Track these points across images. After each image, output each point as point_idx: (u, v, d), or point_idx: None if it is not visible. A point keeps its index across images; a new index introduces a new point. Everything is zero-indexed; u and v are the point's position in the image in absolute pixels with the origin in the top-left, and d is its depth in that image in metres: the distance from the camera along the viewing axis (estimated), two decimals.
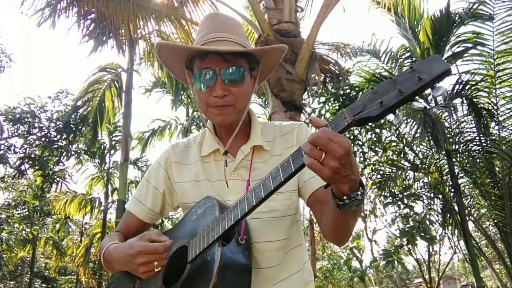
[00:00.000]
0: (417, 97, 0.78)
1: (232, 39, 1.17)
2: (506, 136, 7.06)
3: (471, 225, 8.18)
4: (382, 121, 7.99)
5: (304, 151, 0.81)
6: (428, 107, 6.87)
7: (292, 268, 1.19)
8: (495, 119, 6.96)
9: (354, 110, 0.82)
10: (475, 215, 8.01)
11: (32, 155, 10.63)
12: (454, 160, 7.06)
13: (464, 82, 6.89)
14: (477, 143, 7.29)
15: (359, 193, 0.84)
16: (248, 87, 1.19)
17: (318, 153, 0.78)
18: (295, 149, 1.11)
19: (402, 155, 8.12)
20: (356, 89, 7.93)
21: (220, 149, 1.22)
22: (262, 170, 1.17)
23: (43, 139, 10.49)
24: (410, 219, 7.06)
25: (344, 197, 0.84)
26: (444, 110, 6.80)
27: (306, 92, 4.83)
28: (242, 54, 1.17)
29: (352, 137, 8.24)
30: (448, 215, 7.48)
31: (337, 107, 8.11)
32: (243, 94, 1.17)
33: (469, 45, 6.71)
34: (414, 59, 7.33)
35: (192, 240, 1.08)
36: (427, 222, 6.84)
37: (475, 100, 6.87)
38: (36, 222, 15.12)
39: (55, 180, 11.55)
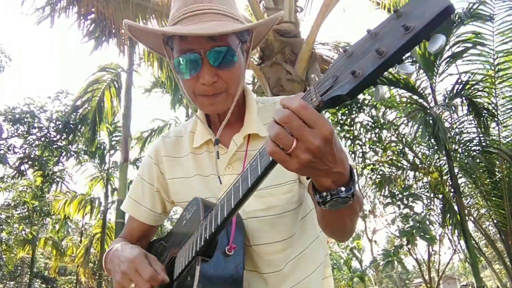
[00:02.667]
0: (408, 59, 0.52)
1: (218, 10, 0.94)
2: (506, 136, 7.06)
3: (471, 225, 8.18)
4: (382, 121, 7.99)
5: (269, 133, 0.61)
6: (428, 107, 6.88)
7: (309, 266, 1.04)
8: (495, 119, 6.96)
9: (323, 87, 0.60)
10: (475, 215, 8.01)
11: (32, 155, 10.64)
12: (454, 160, 7.07)
13: (464, 82, 6.89)
14: (477, 143, 7.30)
15: (343, 189, 0.65)
16: (240, 67, 0.98)
17: (287, 140, 0.59)
18: None
19: (402, 155, 8.12)
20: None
21: (211, 141, 1.07)
22: None
23: (42, 139, 10.50)
24: (410, 219, 7.06)
25: (324, 193, 0.66)
26: (444, 110, 6.80)
27: None
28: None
29: (352, 137, 8.24)
30: (448, 215, 7.48)
31: (337, 107, 8.10)
32: (236, 77, 0.97)
33: (469, 45, 6.71)
34: (414, 58, 7.33)
35: (179, 251, 0.98)
36: (427, 222, 6.84)
37: (475, 100, 6.88)
38: (36, 222, 15.11)
39: (55, 180, 11.56)
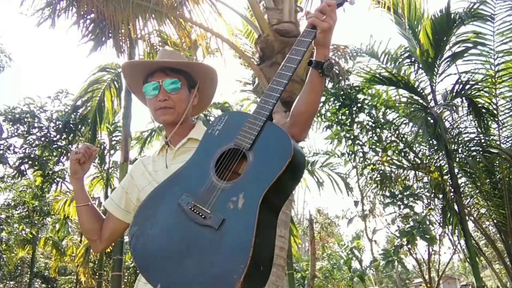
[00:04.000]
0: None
1: (174, 60, 1.56)
2: (507, 136, 7.06)
3: (471, 225, 8.18)
4: (382, 121, 8.00)
5: (310, 16, 1.27)
6: (428, 107, 6.88)
7: None
8: (495, 119, 6.96)
9: None
10: (475, 215, 8.01)
11: (32, 155, 10.63)
12: (454, 160, 7.06)
13: (464, 82, 6.89)
14: (477, 143, 7.30)
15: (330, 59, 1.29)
16: (185, 96, 1.52)
17: (321, 16, 1.25)
18: None
19: (402, 155, 8.12)
20: (356, 88, 7.92)
21: (164, 147, 1.55)
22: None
23: (42, 139, 10.49)
24: (410, 219, 7.05)
25: (325, 60, 1.27)
26: (444, 110, 6.80)
27: None
28: (181, 72, 1.52)
29: (352, 137, 8.24)
30: (448, 215, 7.48)
31: (337, 107, 8.11)
32: (181, 99, 1.50)
33: (469, 45, 6.71)
34: (413, 59, 7.32)
35: (236, 139, 1.19)
36: (427, 222, 6.84)
37: (475, 100, 6.87)
38: (36, 222, 15.11)
39: (55, 180, 11.54)
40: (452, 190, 7.06)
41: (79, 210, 1.56)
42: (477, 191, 7.51)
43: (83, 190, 1.60)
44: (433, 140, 6.98)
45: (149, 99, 1.53)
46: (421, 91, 7.33)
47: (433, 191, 7.73)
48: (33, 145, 10.59)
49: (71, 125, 10.25)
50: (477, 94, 6.91)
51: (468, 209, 7.71)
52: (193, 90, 1.58)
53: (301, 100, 1.36)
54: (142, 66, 1.59)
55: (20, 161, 10.53)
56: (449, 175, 7.10)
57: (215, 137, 1.27)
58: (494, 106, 6.90)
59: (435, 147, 7.30)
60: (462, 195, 7.15)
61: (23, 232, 15.11)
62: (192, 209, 1.12)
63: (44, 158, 10.70)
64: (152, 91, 1.50)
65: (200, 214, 1.09)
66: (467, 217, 7.31)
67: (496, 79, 6.67)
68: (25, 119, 10.30)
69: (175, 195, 1.17)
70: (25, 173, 10.87)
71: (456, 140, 7.31)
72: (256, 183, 1.08)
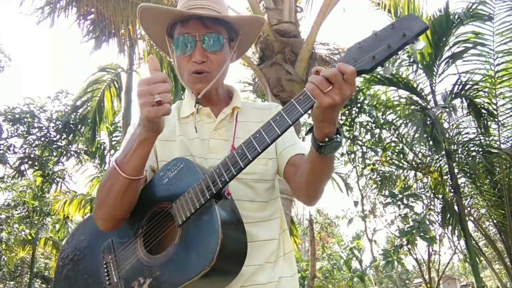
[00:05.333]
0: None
1: (213, 8, 1.18)
2: (506, 136, 7.06)
3: (471, 225, 8.18)
4: (382, 121, 8.00)
5: (311, 81, 0.88)
6: (427, 108, 6.88)
7: (268, 235, 1.18)
8: (495, 119, 6.96)
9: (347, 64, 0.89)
10: (475, 215, 8.01)
11: (32, 155, 10.63)
12: (453, 160, 7.07)
13: (464, 82, 6.89)
14: (477, 143, 7.29)
15: (338, 135, 0.93)
16: (226, 56, 1.19)
17: (325, 85, 0.86)
18: None
19: (402, 156, 8.12)
20: (356, 89, 7.92)
21: (201, 110, 1.22)
22: (243, 131, 1.19)
23: (42, 139, 10.50)
24: (410, 219, 7.06)
25: (326, 139, 0.92)
26: (443, 111, 6.80)
27: None
28: (222, 23, 1.17)
29: (352, 137, 8.24)
30: (448, 215, 7.47)
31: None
32: (221, 62, 1.17)
33: (469, 45, 6.70)
34: (412, 59, 7.32)
35: (175, 204, 1.03)
36: (427, 222, 6.84)
37: (475, 100, 6.87)
38: (36, 223, 15.10)
39: (55, 180, 11.54)
40: (452, 190, 7.06)
41: (133, 184, 1.03)
42: (477, 191, 7.50)
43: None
44: (432, 141, 6.98)
45: (178, 57, 1.18)
46: (421, 91, 7.33)
47: (433, 191, 7.74)
48: (33, 145, 10.60)
49: (71, 125, 10.27)
50: (476, 94, 6.91)
51: (468, 209, 7.71)
52: (233, 44, 1.24)
53: (301, 178, 1.09)
54: (169, 13, 1.19)
55: (20, 161, 10.54)
56: (449, 175, 7.10)
57: (162, 185, 1.10)
58: (494, 107, 6.90)
59: (434, 148, 7.30)
60: (462, 195, 7.15)
61: (23, 232, 15.11)
62: (105, 266, 1.07)
63: (44, 158, 10.71)
64: (184, 46, 1.15)
65: (108, 278, 1.05)
66: (467, 217, 7.31)
67: (495, 79, 6.66)
68: (25, 119, 10.31)
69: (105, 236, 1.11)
70: (25, 173, 10.88)
71: (456, 140, 7.31)
72: (167, 278, 0.96)
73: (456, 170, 7.12)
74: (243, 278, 1.08)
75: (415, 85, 7.34)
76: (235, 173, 0.97)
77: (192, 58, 1.14)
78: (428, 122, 6.40)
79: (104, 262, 1.08)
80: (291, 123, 0.92)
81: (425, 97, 7.28)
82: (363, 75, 0.98)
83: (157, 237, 1.05)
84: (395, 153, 8.16)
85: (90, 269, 1.10)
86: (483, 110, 6.92)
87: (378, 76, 7.43)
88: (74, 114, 10.24)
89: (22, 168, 10.59)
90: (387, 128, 7.99)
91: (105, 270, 1.06)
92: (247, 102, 1.35)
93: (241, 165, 0.96)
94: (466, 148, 7.28)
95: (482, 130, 7.10)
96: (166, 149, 1.19)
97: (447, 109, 6.52)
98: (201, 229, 0.97)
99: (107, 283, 1.04)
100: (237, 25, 1.22)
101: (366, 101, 8.02)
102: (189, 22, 1.14)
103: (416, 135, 6.45)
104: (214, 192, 0.97)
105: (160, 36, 1.25)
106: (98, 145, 11.88)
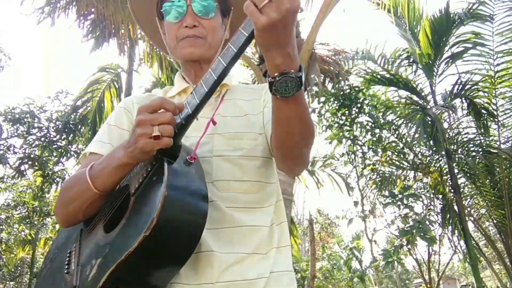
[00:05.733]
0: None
1: None
2: (506, 136, 7.06)
3: (471, 225, 8.19)
4: (382, 121, 8.00)
5: None
6: (427, 107, 6.88)
7: (257, 222, 1.05)
8: (495, 119, 6.96)
9: None
10: (475, 215, 8.01)
11: (32, 156, 10.63)
12: (453, 160, 7.07)
13: (463, 83, 6.89)
14: (477, 143, 7.30)
15: (292, 71, 0.74)
16: (219, 24, 1.13)
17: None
18: (262, 99, 1.14)
19: (402, 156, 8.13)
20: (356, 89, 7.93)
21: (188, 88, 1.14)
22: (228, 109, 1.11)
23: (42, 139, 10.50)
24: (410, 219, 7.06)
25: (276, 73, 0.74)
26: (443, 111, 6.81)
27: (306, 92, 4.83)
28: None
29: (352, 137, 8.24)
30: (448, 215, 7.48)
31: (337, 107, 8.12)
32: (215, 28, 1.11)
33: (469, 45, 6.71)
34: (412, 59, 7.33)
35: (131, 175, 0.92)
36: (427, 222, 6.84)
37: (475, 100, 6.88)
38: (36, 223, 15.11)
39: (55, 181, 11.55)
40: (452, 190, 7.06)
41: (103, 196, 0.96)
42: (477, 191, 7.51)
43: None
44: (432, 140, 6.99)
45: (169, 24, 1.12)
46: (421, 91, 7.33)
47: (433, 191, 7.74)
48: (33, 146, 10.60)
49: (71, 125, 10.26)
50: (476, 94, 6.92)
51: (468, 209, 7.72)
52: (226, 20, 1.18)
53: (272, 138, 0.96)
54: None
55: (20, 161, 10.54)
56: (449, 175, 7.10)
57: None
58: (494, 107, 6.90)
59: (435, 148, 7.31)
60: (462, 195, 7.15)
61: (23, 233, 15.11)
62: (68, 256, 0.99)
63: (44, 159, 10.71)
64: (175, 12, 1.10)
65: (67, 266, 0.96)
66: (467, 217, 7.31)
67: (495, 79, 6.67)
68: (25, 119, 10.31)
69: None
70: (25, 173, 10.88)
71: (456, 140, 7.31)
72: (111, 254, 0.83)
73: (456, 170, 7.13)
74: (222, 266, 0.94)
75: (415, 85, 7.35)
76: (184, 122, 0.84)
77: (183, 24, 1.09)
78: (429, 122, 6.41)
79: (68, 251, 1.01)
80: (236, 51, 0.78)
81: (425, 97, 7.29)
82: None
83: (113, 214, 0.93)
84: (395, 153, 8.16)
85: (60, 263, 1.03)
86: (483, 110, 6.92)
87: (378, 76, 7.44)
88: (74, 114, 10.24)
89: (22, 168, 10.59)
90: (387, 128, 7.99)
91: (67, 259, 0.99)
92: (242, 84, 1.28)
93: (189, 111, 0.83)
94: (466, 148, 7.28)
95: (482, 130, 7.11)
96: None
97: (447, 109, 6.53)
98: (148, 195, 0.84)
99: (65, 272, 0.96)
100: (230, 1, 1.17)
101: (366, 101, 8.02)
102: None
103: (416, 135, 6.46)
104: (163, 148, 0.82)
105: (151, 19, 1.21)
106: None
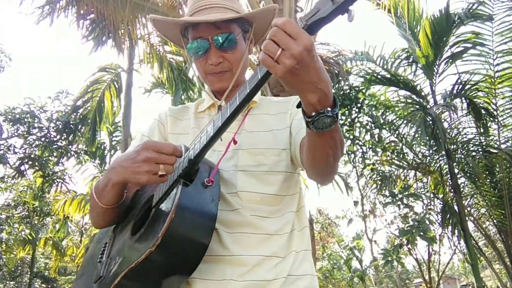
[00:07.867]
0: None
1: (222, 5, 1.17)
2: (506, 136, 7.06)
3: (471, 225, 8.18)
4: (382, 121, 8.00)
5: (261, 48, 0.73)
6: (427, 107, 6.88)
7: (277, 229, 1.10)
8: (495, 119, 6.96)
9: (307, 16, 0.75)
10: (475, 215, 8.01)
11: (32, 156, 10.64)
12: (453, 160, 7.07)
13: (463, 82, 6.89)
14: (477, 143, 7.30)
15: (329, 109, 0.76)
16: (242, 51, 1.19)
17: (274, 49, 0.70)
18: (289, 114, 1.19)
19: (402, 156, 8.13)
20: (356, 89, 7.93)
21: (216, 104, 1.23)
22: (254, 124, 1.17)
23: (42, 139, 10.51)
24: (410, 219, 7.06)
25: (313, 113, 0.76)
26: (443, 110, 6.81)
27: None
28: (234, 19, 1.15)
29: (352, 137, 8.24)
30: (448, 215, 7.48)
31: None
32: (238, 59, 1.18)
33: (469, 45, 6.71)
34: (412, 59, 7.33)
35: (158, 186, 1.02)
36: (427, 222, 6.84)
37: (475, 100, 6.88)
38: (36, 223, 15.12)
39: (55, 181, 11.55)
40: (452, 190, 7.06)
41: (111, 209, 1.07)
42: (477, 191, 7.51)
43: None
44: (432, 140, 6.99)
45: (196, 61, 1.20)
46: (421, 91, 7.33)
47: (433, 191, 7.74)
48: (33, 146, 10.61)
49: (71, 125, 10.27)
50: (476, 94, 6.92)
51: (468, 209, 7.72)
52: (248, 35, 1.23)
53: (304, 157, 1.00)
54: (176, 24, 1.21)
55: (20, 161, 10.55)
56: (449, 175, 7.10)
57: None
58: (494, 107, 6.90)
59: (435, 148, 7.31)
60: (462, 196, 7.15)
61: (23, 232, 15.12)
62: (104, 246, 1.11)
63: (44, 159, 10.71)
64: (198, 50, 1.16)
65: (101, 256, 1.08)
66: (467, 217, 7.31)
67: (495, 79, 6.67)
68: (25, 119, 10.32)
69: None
70: (25, 173, 10.88)
71: (455, 140, 7.31)
72: (128, 258, 0.94)
73: (456, 170, 7.13)
74: (244, 268, 1.02)
75: (415, 85, 7.35)
76: (194, 155, 0.90)
77: (208, 61, 1.15)
78: (430, 122, 6.41)
79: (105, 242, 1.12)
80: (249, 91, 0.82)
81: (425, 97, 7.28)
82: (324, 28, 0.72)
83: (139, 219, 1.05)
84: (395, 153, 8.16)
85: (99, 250, 1.14)
86: (482, 110, 6.92)
87: (378, 76, 7.44)
88: (74, 114, 10.25)
89: (22, 168, 10.60)
90: (387, 128, 7.99)
91: (102, 249, 1.10)
92: (268, 97, 1.33)
93: (195, 153, 0.90)
94: (466, 148, 7.28)
95: (482, 130, 7.11)
96: (179, 142, 1.12)
97: (447, 108, 6.53)
98: (162, 212, 0.95)
99: (98, 260, 1.08)
100: (250, 17, 1.21)
101: (366, 101, 8.02)
102: (199, 25, 1.14)
103: (417, 135, 6.46)
104: (181, 172, 0.91)
105: (177, 37, 1.26)
106: (98, 145, 11.89)
